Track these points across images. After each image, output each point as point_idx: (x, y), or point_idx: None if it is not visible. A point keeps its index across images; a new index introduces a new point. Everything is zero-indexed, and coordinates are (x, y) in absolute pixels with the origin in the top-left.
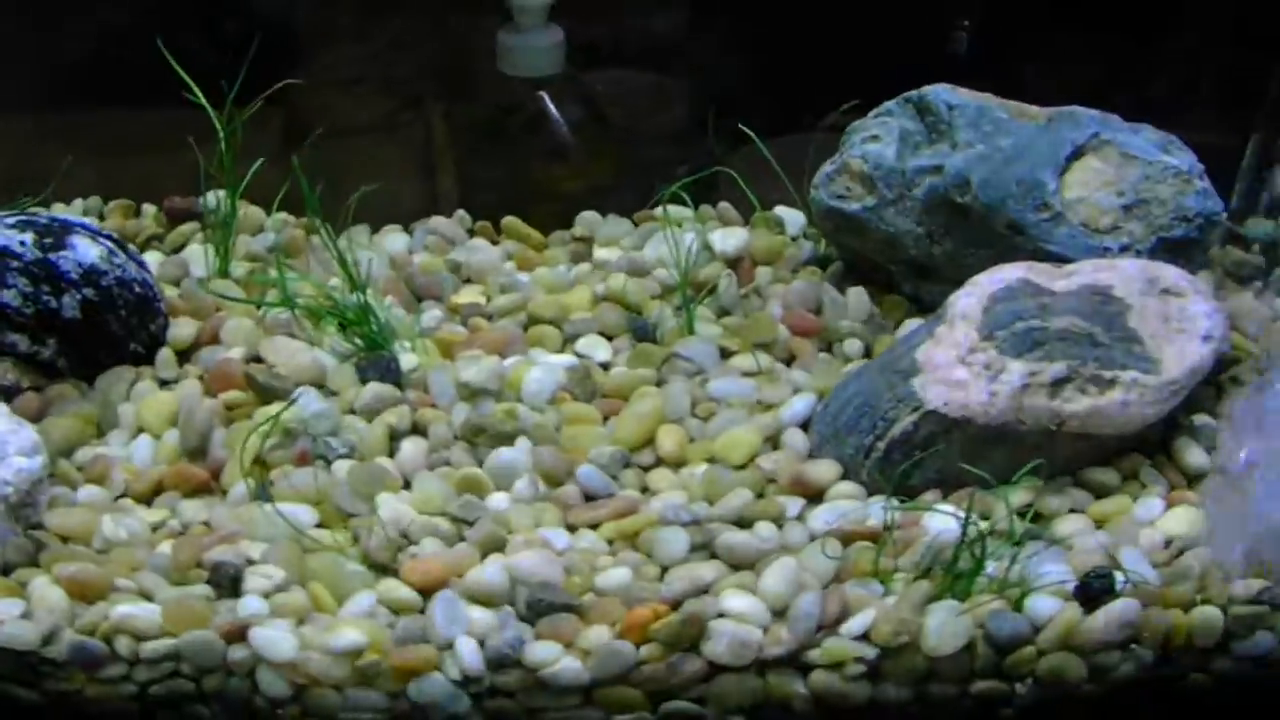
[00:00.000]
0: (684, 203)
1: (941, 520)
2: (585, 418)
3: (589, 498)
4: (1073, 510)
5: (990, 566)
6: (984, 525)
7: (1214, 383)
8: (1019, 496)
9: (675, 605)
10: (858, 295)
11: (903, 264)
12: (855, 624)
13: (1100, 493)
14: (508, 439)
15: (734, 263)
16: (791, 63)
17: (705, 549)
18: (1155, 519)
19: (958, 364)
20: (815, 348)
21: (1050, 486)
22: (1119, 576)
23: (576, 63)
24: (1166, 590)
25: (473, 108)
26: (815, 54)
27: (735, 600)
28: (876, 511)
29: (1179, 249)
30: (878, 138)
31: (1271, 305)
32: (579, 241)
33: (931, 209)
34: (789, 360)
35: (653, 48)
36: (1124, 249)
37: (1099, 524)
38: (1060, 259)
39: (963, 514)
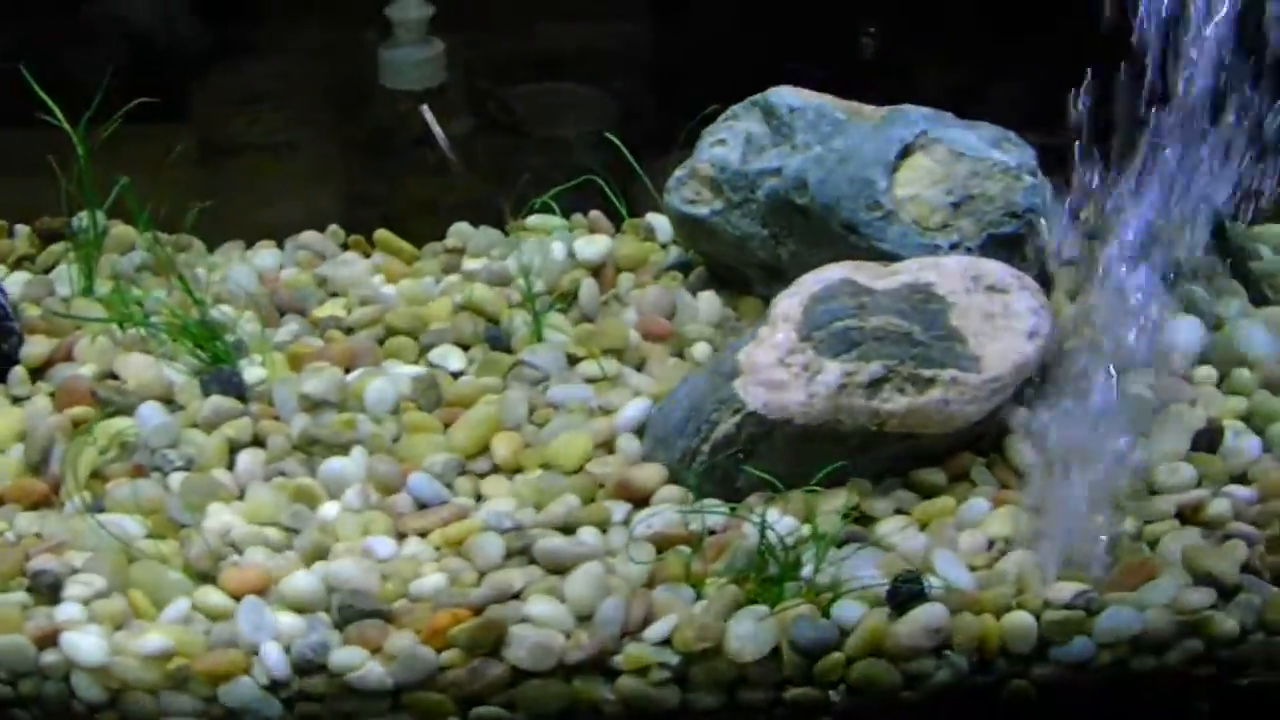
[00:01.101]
0: (558, 211)
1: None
2: (426, 426)
3: (422, 505)
4: (899, 511)
5: (808, 570)
6: (806, 528)
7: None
8: (844, 498)
9: (479, 610)
10: (709, 299)
11: (754, 266)
12: (657, 629)
13: (928, 493)
14: (342, 449)
15: (596, 270)
16: (707, 73)
17: (524, 555)
18: (980, 520)
19: (777, 365)
20: (668, 352)
21: (878, 487)
22: (929, 581)
23: (515, 75)
24: (980, 595)
25: (359, 122)
26: (731, 64)
27: (539, 605)
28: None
29: (1010, 245)
30: (724, 141)
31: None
32: (451, 253)
33: (774, 211)
34: (641, 365)
35: (587, 60)
36: (954, 246)
37: (923, 525)
38: (893, 258)
39: (785, 518)
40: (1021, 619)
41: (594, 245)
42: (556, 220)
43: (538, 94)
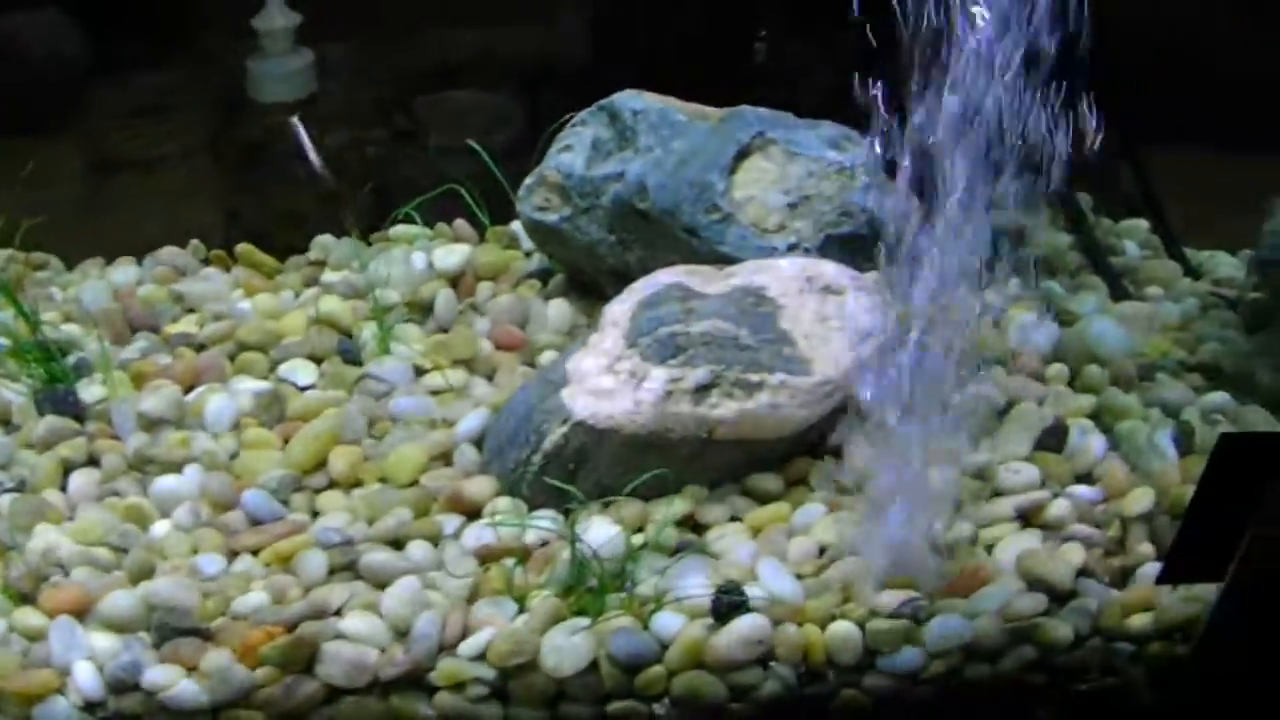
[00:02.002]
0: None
1: (596, 534)
2: (265, 443)
3: (256, 522)
4: (733, 518)
5: (636, 581)
6: (637, 538)
7: None
8: (679, 506)
9: (293, 628)
10: (559, 307)
11: (605, 272)
12: (473, 644)
13: (763, 499)
14: (175, 467)
15: (455, 279)
16: (595, 78)
17: (351, 570)
18: (812, 527)
19: (605, 373)
20: (519, 362)
21: (714, 494)
22: (752, 591)
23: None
24: (804, 605)
25: (232, 136)
26: (621, 68)
27: (355, 622)
28: (543, 524)
29: (849, 245)
30: (570, 148)
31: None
32: (313, 265)
33: (619, 216)
34: (492, 375)
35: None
36: (792, 248)
37: (755, 532)
38: (733, 260)
39: (615, 528)
40: (845, 629)
41: (452, 255)
42: (420, 230)
43: (436, 102)
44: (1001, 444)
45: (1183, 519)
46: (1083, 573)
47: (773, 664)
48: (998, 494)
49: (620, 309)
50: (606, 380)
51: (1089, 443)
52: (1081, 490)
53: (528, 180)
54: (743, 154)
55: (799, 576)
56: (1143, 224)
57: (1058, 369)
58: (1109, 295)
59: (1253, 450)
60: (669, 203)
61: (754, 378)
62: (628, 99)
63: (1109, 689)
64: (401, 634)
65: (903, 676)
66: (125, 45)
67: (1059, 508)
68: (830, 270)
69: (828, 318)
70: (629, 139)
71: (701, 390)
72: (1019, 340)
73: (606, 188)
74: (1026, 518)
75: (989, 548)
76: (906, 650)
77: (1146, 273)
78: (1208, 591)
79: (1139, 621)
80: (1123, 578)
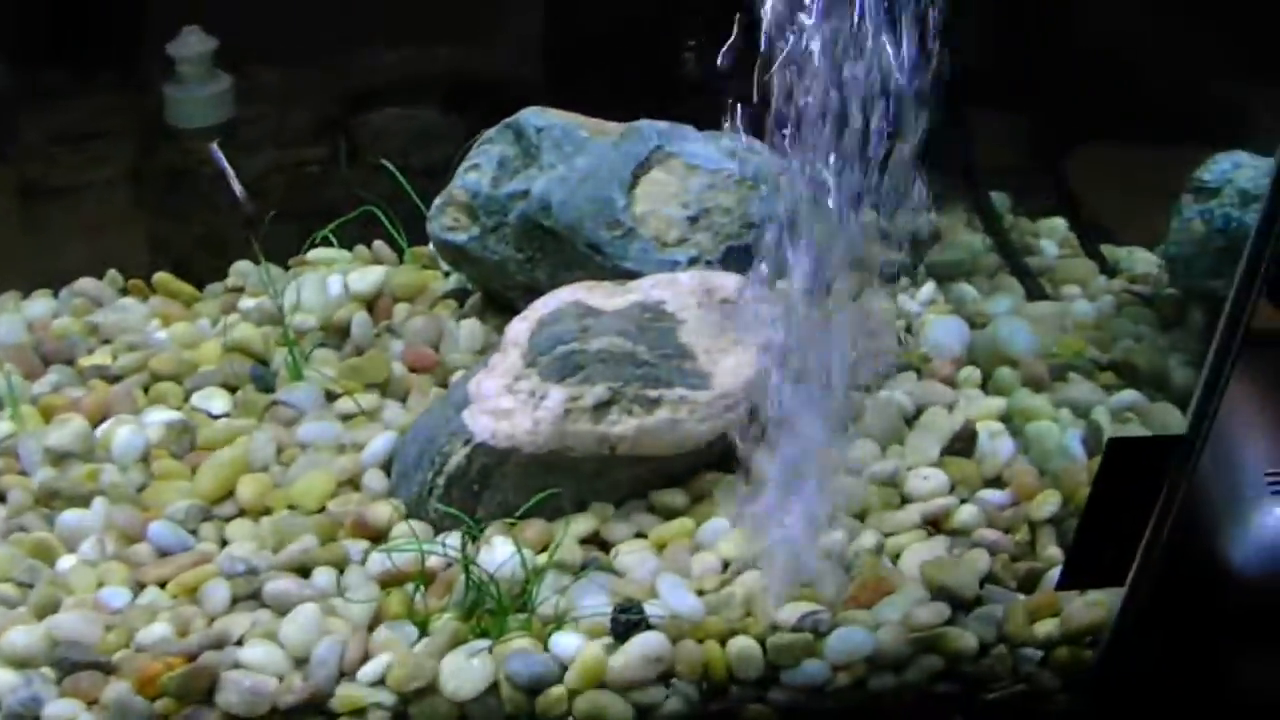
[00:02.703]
0: (350, 244)
1: (499, 555)
2: (175, 473)
3: (164, 554)
4: (639, 535)
5: (533, 602)
6: (541, 559)
7: None
8: (581, 525)
9: (193, 658)
10: (471, 326)
11: (517, 290)
12: (371, 669)
13: (669, 515)
14: (83, 501)
15: (371, 302)
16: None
17: (255, 599)
18: (716, 541)
19: (505, 393)
20: (432, 383)
21: (619, 511)
22: (652, 609)
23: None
24: (704, 621)
25: (153, 163)
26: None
27: (254, 650)
28: (448, 547)
29: (750, 256)
30: (477, 166)
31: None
32: (231, 292)
33: (525, 234)
34: (405, 397)
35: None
36: (694, 261)
37: (660, 549)
38: (636, 275)
39: (516, 549)
40: (746, 645)
41: (367, 277)
42: (338, 253)
43: (360, 123)
44: (911, 450)
45: (1078, 525)
46: (989, 579)
47: (674, 681)
48: (907, 501)
49: (519, 328)
50: (506, 400)
51: (998, 446)
52: (990, 495)
53: (437, 200)
54: (642, 169)
55: (700, 593)
56: (1061, 223)
57: (969, 372)
58: (1025, 295)
59: (1143, 452)
60: (572, 219)
61: (652, 393)
62: (531, 116)
63: (1019, 696)
64: (301, 662)
65: (807, 690)
66: (46, 73)
67: (966, 513)
68: (730, 282)
69: (727, 330)
70: (534, 156)
71: (600, 408)
72: (931, 344)
73: (513, 206)
74: (935, 524)
75: (895, 557)
76: (809, 664)
77: (1064, 271)
78: (1114, 594)
79: (1045, 627)
80: (1030, 582)
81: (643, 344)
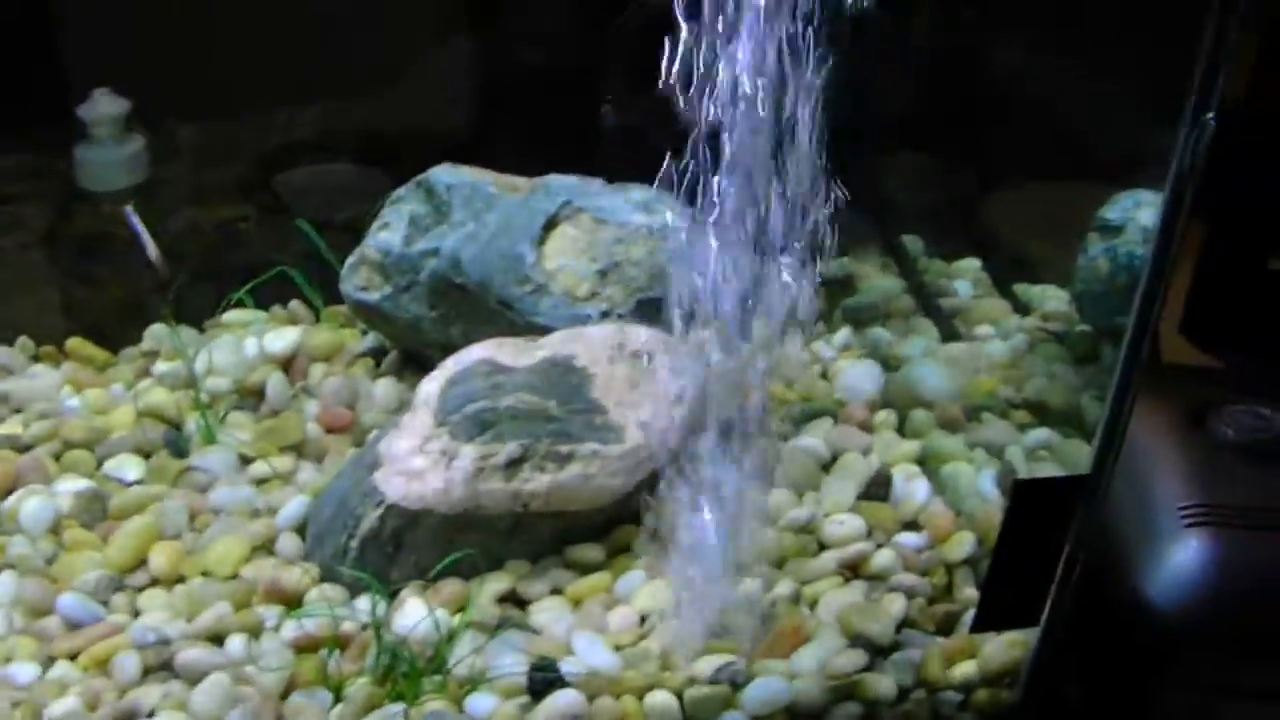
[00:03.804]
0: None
1: (414, 616)
2: (86, 543)
3: (74, 626)
4: (555, 591)
5: (460, 661)
6: (457, 619)
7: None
8: (499, 583)
9: None
10: (387, 385)
11: (434, 348)
12: None
13: (586, 570)
14: None
15: (287, 362)
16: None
17: (167, 669)
18: (632, 595)
19: (416, 453)
20: (349, 444)
21: (536, 568)
22: (569, 665)
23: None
24: (621, 676)
25: (67, 227)
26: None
27: None
28: (362, 610)
29: (661, 308)
30: (388, 225)
31: (811, 349)
32: (147, 356)
33: (438, 292)
34: (322, 459)
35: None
36: (605, 315)
37: (576, 604)
38: (549, 331)
39: (437, 610)
40: (663, 699)
41: (281, 338)
42: (254, 314)
43: (279, 181)
44: (827, 496)
45: (988, 568)
46: (905, 623)
47: None
48: (824, 547)
49: (429, 388)
50: (418, 461)
51: (913, 489)
52: (906, 538)
53: (349, 260)
54: (551, 224)
55: (617, 647)
56: (975, 263)
57: (885, 415)
58: (939, 337)
59: (1048, 493)
60: (482, 276)
61: (564, 449)
62: (442, 173)
63: None
64: None
65: None
66: None
67: (883, 558)
68: (640, 335)
69: (638, 383)
70: (444, 214)
71: (513, 465)
72: (845, 389)
73: (424, 264)
74: (853, 569)
75: (812, 604)
76: (727, 716)
77: (978, 312)
78: (1031, 634)
79: (963, 669)
80: (948, 625)
81: (553, 399)
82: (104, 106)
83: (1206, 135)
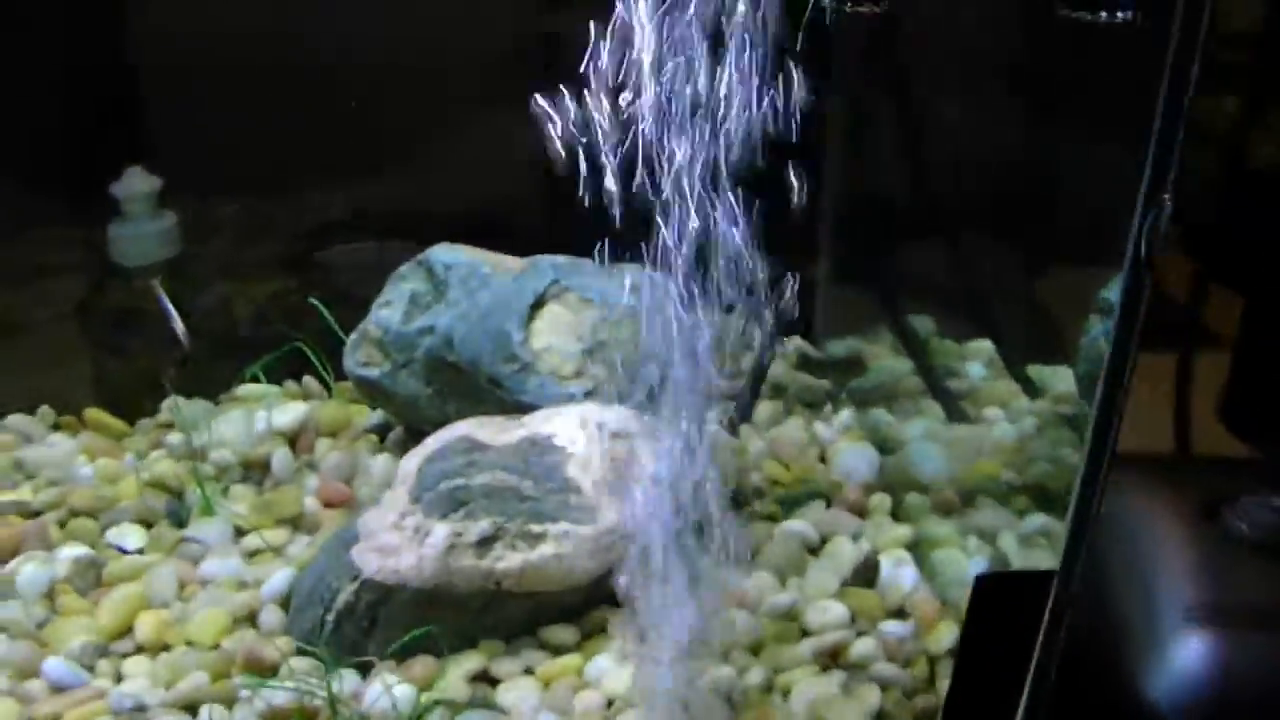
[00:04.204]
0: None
1: (383, 692)
2: (78, 609)
3: (59, 690)
4: (527, 671)
5: None
6: (424, 697)
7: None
8: (472, 661)
9: None
10: (385, 462)
11: (431, 424)
12: None
13: (559, 651)
14: None
15: (294, 437)
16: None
17: None
18: (601, 678)
19: (392, 529)
20: (346, 518)
21: (510, 647)
22: None
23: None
24: None
25: (97, 301)
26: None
27: None
28: (348, 682)
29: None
30: (390, 303)
31: (812, 430)
32: (162, 428)
33: (433, 370)
34: (315, 532)
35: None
36: (589, 394)
37: (547, 685)
38: (535, 409)
39: (407, 685)
40: None
41: (288, 413)
42: (267, 389)
43: (306, 259)
44: (811, 582)
45: (954, 666)
46: (881, 716)
47: None
48: (806, 633)
49: (409, 464)
50: (393, 536)
51: (900, 575)
52: (890, 627)
53: (352, 336)
54: (539, 303)
55: None
56: (988, 345)
57: (879, 499)
58: (944, 419)
59: (1012, 589)
60: (473, 354)
61: (536, 528)
62: (440, 253)
63: None
64: None
65: None
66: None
67: (863, 646)
68: (619, 416)
69: (616, 462)
70: (442, 292)
71: (484, 543)
72: (841, 471)
73: (420, 342)
74: (834, 657)
75: (785, 693)
76: None
77: (987, 394)
78: None
79: None
80: (925, 717)
81: (528, 479)
82: (137, 184)
83: (1164, 218)
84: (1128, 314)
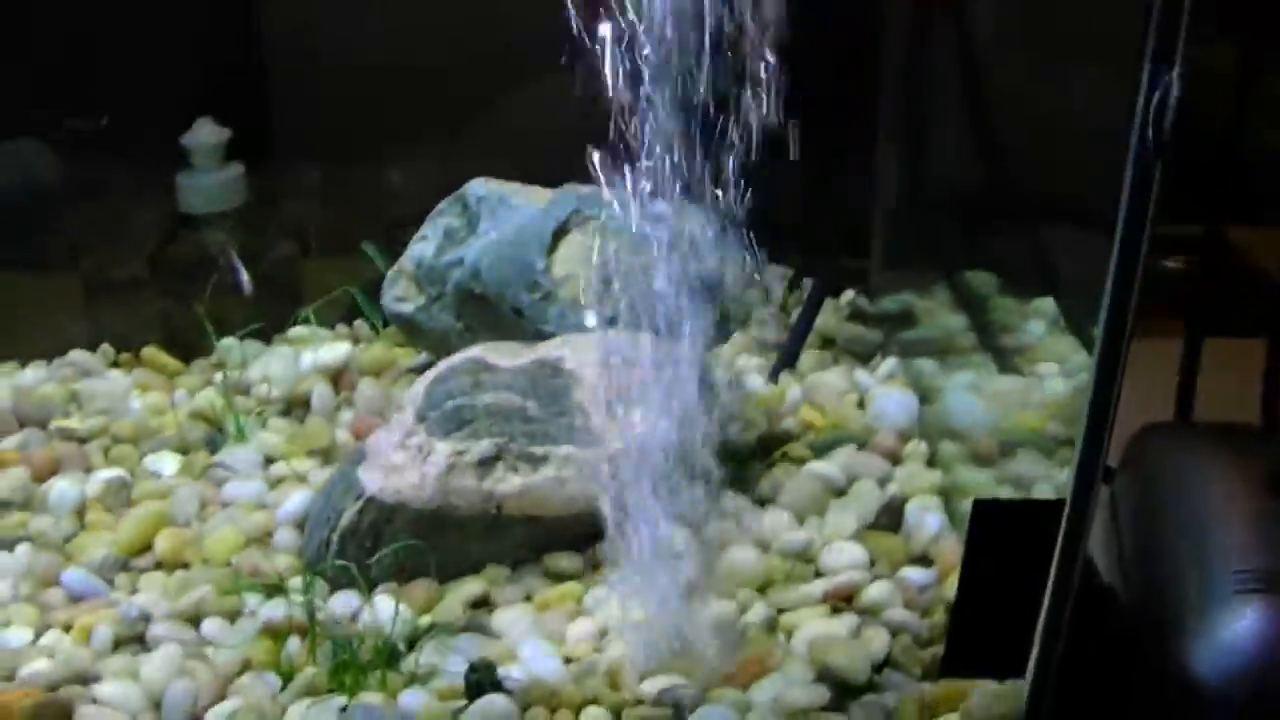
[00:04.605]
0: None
1: (381, 614)
2: (104, 526)
3: (77, 599)
4: (527, 599)
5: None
6: (424, 620)
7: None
8: (473, 586)
9: (55, 689)
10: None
11: None
12: (218, 712)
13: (562, 579)
14: (8, 545)
15: (337, 375)
16: None
17: (140, 643)
18: (601, 608)
19: (397, 449)
20: None
21: (515, 575)
22: (515, 672)
23: None
24: (562, 688)
25: (168, 245)
26: None
27: (112, 687)
28: (342, 603)
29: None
30: (425, 237)
31: (853, 379)
32: (216, 367)
33: (462, 302)
34: None
35: None
36: (611, 323)
37: (542, 611)
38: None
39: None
40: (598, 717)
41: (333, 352)
42: (320, 331)
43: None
44: (830, 524)
45: (954, 600)
46: (889, 664)
47: None
48: (820, 575)
49: (419, 386)
50: (398, 456)
51: (926, 521)
52: (912, 573)
53: (389, 272)
54: (561, 231)
55: (568, 659)
56: (1050, 302)
57: (915, 446)
58: (995, 371)
59: (1013, 518)
60: (498, 284)
61: (539, 450)
62: (474, 186)
63: None
64: (158, 704)
65: None
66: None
67: (879, 590)
68: (634, 343)
69: (626, 391)
70: (473, 225)
71: (485, 463)
72: (874, 416)
73: (451, 274)
74: (848, 600)
75: (789, 634)
76: None
77: (1043, 350)
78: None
79: None
80: (936, 670)
81: (534, 400)
82: (205, 135)
83: (1172, 94)
84: (1134, 209)
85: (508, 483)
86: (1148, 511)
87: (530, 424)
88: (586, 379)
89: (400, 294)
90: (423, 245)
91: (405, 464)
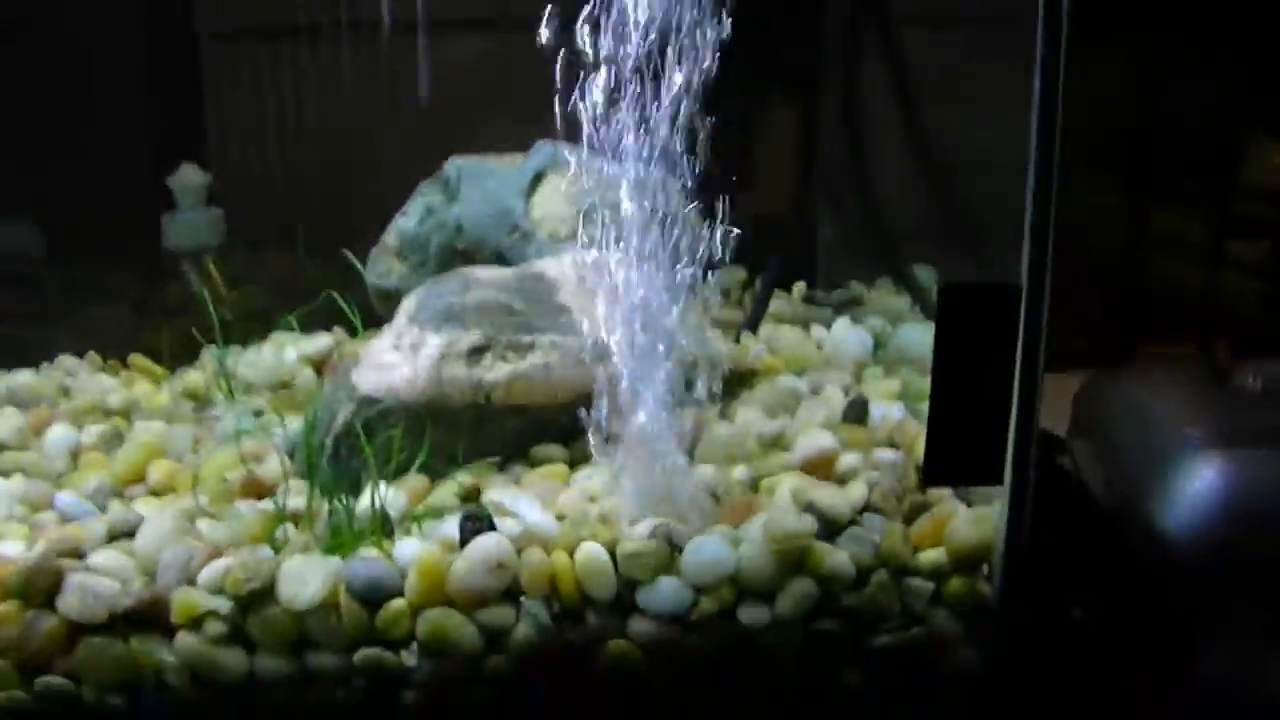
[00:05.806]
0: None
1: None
2: (98, 464)
3: (68, 520)
4: (517, 484)
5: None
6: (417, 508)
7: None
8: (464, 478)
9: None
10: None
11: None
12: (211, 571)
13: (548, 463)
14: (4, 474)
15: (320, 363)
16: None
17: (129, 536)
18: (588, 484)
19: (390, 350)
20: None
21: (504, 469)
22: (505, 525)
23: None
24: (556, 533)
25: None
26: None
27: (105, 555)
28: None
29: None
30: (407, 213)
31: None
32: (198, 371)
33: (444, 265)
34: None
35: None
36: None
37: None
38: None
39: (396, 491)
40: (593, 553)
41: (315, 343)
42: (300, 336)
43: None
44: (802, 419)
45: (930, 401)
46: (867, 508)
47: (523, 600)
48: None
49: (410, 300)
50: (390, 356)
51: (890, 413)
52: (881, 452)
53: (373, 251)
54: (539, 178)
55: (560, 517)
56: None
57: (873, 371)
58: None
59: (978, 300)
60: (478, 235)
61: (526, 339)
62: (455, 162)
63: (916, 643)
64: (151, 574)
65: (669, 620)
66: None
67: (852, 459)
68: (610, 259)
69: (602, 296)
70: (454, 195)
71: (475, 353)
72: (835, 351)
73: (432, 239)
74: (824, 471)
75: (771, 493)
76: (665, 582)
77: None
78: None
79: (931, 556)
80: (913, 515)
81: (519, 299)
82: (189, 177)
83: None
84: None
85: (495, 371)
86: (1103, 422)
87: (516, 316)
88: (568, 283)
89: (383, 269)
90: (404, 220)
91: (399, 362)
